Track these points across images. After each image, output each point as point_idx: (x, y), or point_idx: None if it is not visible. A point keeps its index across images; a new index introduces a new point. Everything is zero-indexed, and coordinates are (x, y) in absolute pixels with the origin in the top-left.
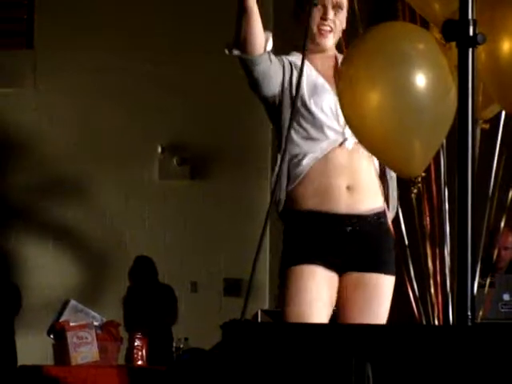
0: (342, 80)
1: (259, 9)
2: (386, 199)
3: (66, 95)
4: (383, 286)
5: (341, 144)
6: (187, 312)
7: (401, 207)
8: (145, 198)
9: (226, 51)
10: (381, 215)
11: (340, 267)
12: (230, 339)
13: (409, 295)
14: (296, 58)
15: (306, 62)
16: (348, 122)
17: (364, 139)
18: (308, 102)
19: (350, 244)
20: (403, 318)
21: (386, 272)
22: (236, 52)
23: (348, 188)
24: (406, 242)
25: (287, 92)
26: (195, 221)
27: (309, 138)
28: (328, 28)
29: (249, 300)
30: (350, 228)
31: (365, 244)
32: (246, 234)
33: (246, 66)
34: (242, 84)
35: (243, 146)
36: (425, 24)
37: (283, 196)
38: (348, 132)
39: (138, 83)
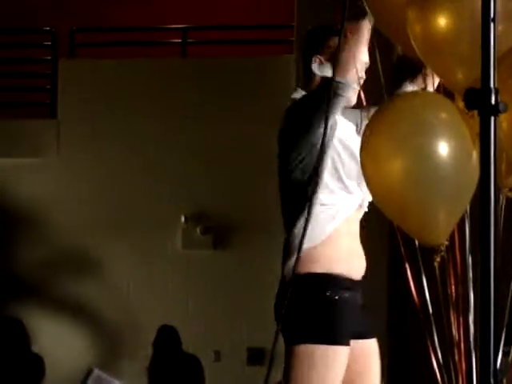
0: (364, 149)
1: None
2: None
3: (89, 165)
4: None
5: (361, 204)
6: (211, 381)
7: (424, 275)
8: (168, 267)
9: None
10: None
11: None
12: None
13: (433, 363)
14: None
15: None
16: (371, 190)
17: (387, 208)
18: (354, 150)
19: (362, 312)
20: None
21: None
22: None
23: (359, 252)
24: (431, 311)
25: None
26: (218, 289)
27: (344, 188)
28: (357, 87)
29: (272, 369)
30: (358, 294)
31: (364, 311)
32: (269, 302)
33: (337, 93)
34: (264, 151)
35: (266, 215)
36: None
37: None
38: (367, 192)
39: (161, 151)
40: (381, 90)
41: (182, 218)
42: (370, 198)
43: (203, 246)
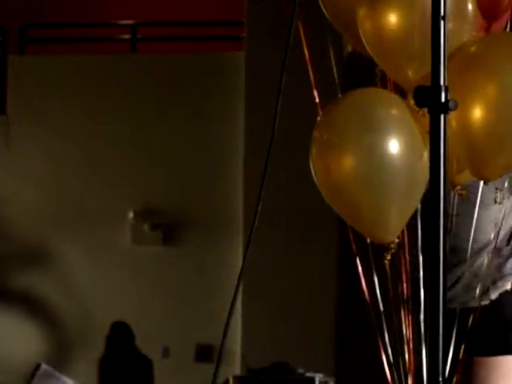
0: (314, 144)
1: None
2: None
3: (38, 161)
4: None
5: None
6: (159, 377)
7: (376, 273)
8: (117, 264)
9: None
10: None
11: None
12: None
13: (383, 361)
14: None
15: None
16: (321, 187)
17: (337, 205)
18: None
19: None
20: (377, 383)
21: None
22: None
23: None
24: (382, 309)
25: None
26: (167, 286)
27: None
28: None
29: (220, 366)
30: None
31: None
32: (218, 299)
33: None
34: (216, 147)
35: (215, 211)
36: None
37: None
38: None
39: (109, 148)
40: (333, 86)
41: (131, 214)
42: None
43: (152, 242)
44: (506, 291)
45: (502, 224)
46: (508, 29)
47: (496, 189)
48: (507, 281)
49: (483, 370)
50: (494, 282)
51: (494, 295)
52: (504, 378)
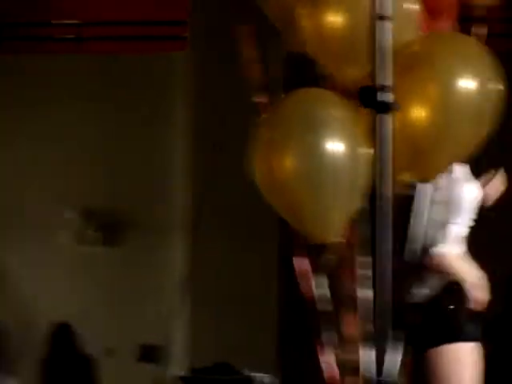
0: (256, 144)
1: None
2: None
3: None
4: None
5: None
6: (103, 378)
7: (317, 273)
8: (60, 265)
9: None
10: None
11: None
12: None
13: (324, 360)
14: None
15: None
16: (261, 186)
17: (279, 205)
18: None
19: None
20: (319, 382)
21: None
22: None
23: None
24: (325, 308)
25: None
26: (110, 286)
27: None
28: None
29: (164, 366)
30: None
31: None
32: (161, 300)
33: None
34: (159, 149)
35: (157, 213)
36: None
37: None
38: None
39: (53, 149)
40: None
41: (74, 215)
42: None
43: (95, 243)
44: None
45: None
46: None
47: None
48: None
49: (437, 359)
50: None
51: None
52: (458, 363)
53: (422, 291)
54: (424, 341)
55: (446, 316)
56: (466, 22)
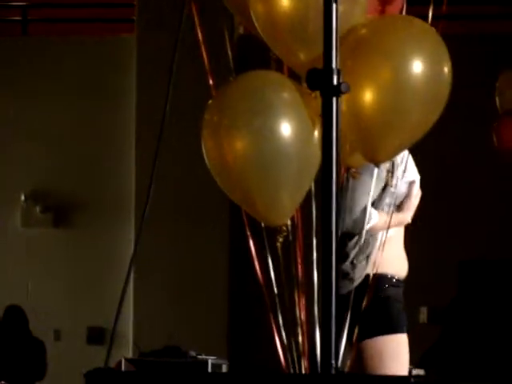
0: (205, 127)
1: None
2: None
3: None
4: None
5: None
6: (51, 360)
7: (270, 255)
8: (8, 246)
9: None
10: None
11: None
12: None
13: (276, 344)
14: None
15: None
16: (212, 169)
17: (229, 188)
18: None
19: None
20: (271, 366)
21: None
22: None
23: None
24: (276, 291)
25: None
26: (58, 269)
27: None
28: None
29: (112, 348)
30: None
31: None
32: (110, 282)
33: None
34: (108, 132)
35: (107, 194)
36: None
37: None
38: None
39: (1, 130)
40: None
41: (22, 197)
42: None
43: (43, 225)
44: (380, 275)
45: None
46: (404, 12)
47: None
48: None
49: (372, 349)
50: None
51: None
52: (392, 354)
53: (346, 283)
54: (359, 332)
55: (379, 307)
56: (412, 4)
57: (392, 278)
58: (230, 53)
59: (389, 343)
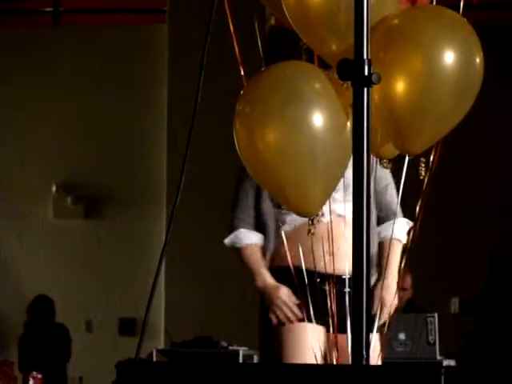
0: (237, 118)
1: None
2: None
3: None
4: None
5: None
6: (82, 351)
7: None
8: (39, 237)
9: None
10: None
11: (330, 327)
12: (124, 379)
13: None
14: None
15: None
16: (244, 160)
17: (262, 179)
18: None
19: (340, 304)
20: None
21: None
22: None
23: (330, 254)
24: (306, 281)
25: None
26: (90, 260)
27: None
28: None
29: (143, 339)
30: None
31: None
32: (141, 273)
33: None
34: (139, 123)
35: (139, 185)
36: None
37: (272, 251)
38: (327, 208)
39: (33, 121)
40: (258, 59)
41: (53, 188)
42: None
43: (74, 216)
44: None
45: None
46: (434, 2)
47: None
48: None
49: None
50: None
51: None
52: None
53: None
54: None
55: None
56: None
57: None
58: (260, 43)
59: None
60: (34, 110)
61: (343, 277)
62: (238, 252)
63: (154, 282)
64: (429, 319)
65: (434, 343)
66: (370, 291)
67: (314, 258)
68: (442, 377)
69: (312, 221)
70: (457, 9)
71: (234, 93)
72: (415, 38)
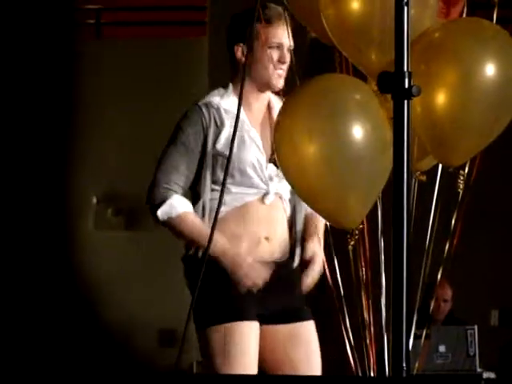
0: (278, 131)
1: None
2: (292, 249)
3: None
4: (314, 333)
5: (262, 197)
6: (123, 363)
7: (337, 259)
8: (80, 249)
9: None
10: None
11: (265, 318)
12: None
13: (345, 346)
14: (231, 101)
15: (242, 111)
16: (285, 173)
17: (301, 191)
18: (233, 159)
19: (273, 292)
20: (339, 369)
21: (309, 318)
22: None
23: (266, 238)
24: (342, 293)
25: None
26: (130, 271)
27: (229, 192)
28: (284, 72)
29: (183, 351)
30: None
31: (286, 292)
32: (182, 284)
33: None
34: None
35: None
36: (363, 76)
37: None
38: (272, 186)
39: (74, 133)
40: (295, 73)
41: (94, 199)
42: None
43: (115, 228)
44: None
45: None
46: (465, 14)
47: None
48: None
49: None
50: None
51: None
52: (217, 345)
53: None
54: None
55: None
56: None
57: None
58: (293, 58)
59: (214, 334)
60: (74, 120)
61: (277, 262)
62: (174, 221)
63: (193, 294)
64: (468, 331)
65: (474, 355)
66: (298, 270)
67: (250, 244)
68: None
69: (351, 234)
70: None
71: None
72: (455, 51)
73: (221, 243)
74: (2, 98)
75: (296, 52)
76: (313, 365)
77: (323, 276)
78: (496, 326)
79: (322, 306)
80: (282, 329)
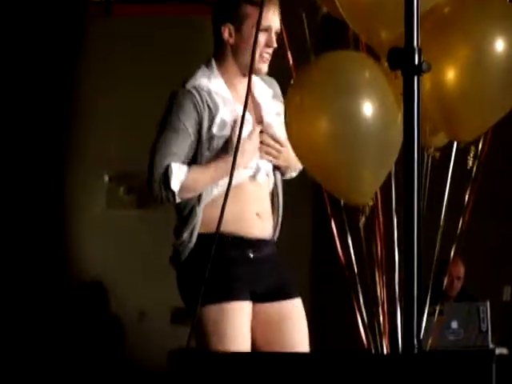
0: (289, 108)
1: None
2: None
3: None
4: (302, 310)
5: (253, 175)
6: (134, 340)
7: (350, 235)
8: (92, 227)
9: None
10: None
11: (257, 296)
12: (176, 367)
13: (357, 323)
14: (218, 83)
15: (229, 92)
16: (295, 149)
17: (311, 167)
18: (227, 140)
19: (265, 271)
20: (352, 345)
21: (297, 295)
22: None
23: (257, 214)
24: (356, 270)
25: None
26: (142, 250)
27: None
28: (269, 56)
29: (195, 328)
30: (258, 253)
31: (274, 270)
32: None
33: None
34: None
35: None
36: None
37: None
38: (262, 165)
39: (84, 111)
40: (307, 49)
41: (106, 178)
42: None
43: (127, 206)
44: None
45: None
46: None
47: None
48: None
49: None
50: None
51: None
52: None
53: None
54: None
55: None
56: None
57: (228, 237)
58: (307, 33)
59: (207, 313)
60: (85, 99)
61: (266, 240)
62: (188, 181)
63: (206, 271)
64: (481, 307)
65: (487, 331)
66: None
67: (242, 222)
68: (494, 365)
69: (362, 211)
70: None
71: (284, 82)
72: (465, 26)
73: (223, 161)
74: (11, 77)
75: (310, 28)
76: (303, 342)
77: (336, 252)
78: (508, 302)
79: (334, 283)
80: (273, 307)
